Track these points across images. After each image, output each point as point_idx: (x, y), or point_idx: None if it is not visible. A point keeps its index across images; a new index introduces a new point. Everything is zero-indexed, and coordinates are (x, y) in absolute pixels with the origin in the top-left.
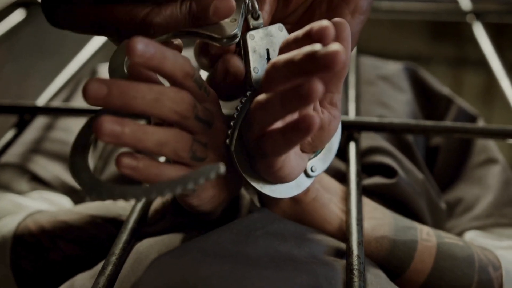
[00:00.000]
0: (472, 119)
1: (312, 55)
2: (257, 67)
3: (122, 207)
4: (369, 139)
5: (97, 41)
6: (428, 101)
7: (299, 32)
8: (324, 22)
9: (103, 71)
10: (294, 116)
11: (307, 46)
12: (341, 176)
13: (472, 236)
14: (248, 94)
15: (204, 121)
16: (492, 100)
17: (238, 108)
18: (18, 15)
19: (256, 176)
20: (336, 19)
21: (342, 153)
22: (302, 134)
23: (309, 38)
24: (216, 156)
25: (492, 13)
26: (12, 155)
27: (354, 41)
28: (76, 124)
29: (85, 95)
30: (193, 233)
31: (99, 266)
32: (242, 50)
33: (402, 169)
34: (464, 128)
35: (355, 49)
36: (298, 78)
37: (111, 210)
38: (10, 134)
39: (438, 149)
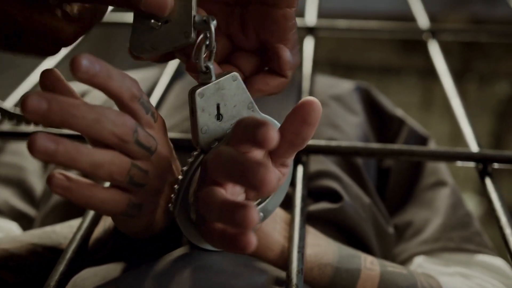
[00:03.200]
0: (423, 140)
1: (243, 171)
2: (206, 126)
3: (64, 236)
4: (317, 163)
5: (50, 61)
6: (380, 122)
7: (250, 121)
8: (272, 132)
9: None
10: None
11: (241, 156)
12: (287, 200)
13: (420, 262)
14: (194, 154)
15: (146, 147)
16: None
17: (183, 171)
18: None
19: (197, 234)
20: (312, 99)
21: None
22: (237, 251)
23: (255, 133)
24: (159, 183)
25: (447, 32)
26: None
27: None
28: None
29: (24, 108)
30: (131, 264)
31: None
32: (190, 109)
33: (348, 193)
34: (410, 151)
35: (310, 68)
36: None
37: (52, 239)
38: None
39: (389, 171)
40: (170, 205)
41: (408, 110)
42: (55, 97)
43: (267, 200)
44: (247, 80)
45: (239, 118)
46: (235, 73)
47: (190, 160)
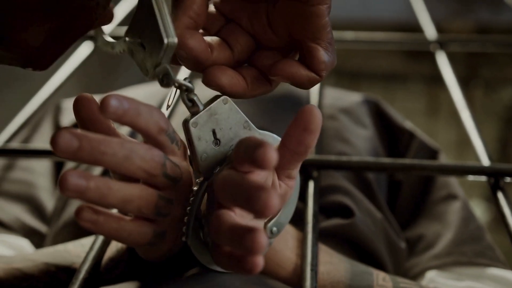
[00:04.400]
0: (433, 153)
1: (246, 197)
2: (205, 154)
3: (77, 255)
4: (328, 178)
5: (60, 76)
6: (390, 136)
7: (249, 143)
8: (270, 153)
9: (68, 106)
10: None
11: (243, 181)
12: (298, 215)
13: (433, 276)
14: (198, 182)
15: (172, 178)
16: None
17: (190, 201)
18: None
19: (209, 256)
20: (312, 106)
21: (300, 191)
22: (245, 273)
23: (254, 155)
24: (181, 210)
25: (455, 42)
26: None
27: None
28: (37, 164)
29: (55, 147)
30: (145, 284)
31: None
32: (186, 140)
33: (359, 208)
34: (422, 165)
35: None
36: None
37: (65, 258)
38: None
39: (400, 184)
40: (183, 237)
41: (414, 117)
42: (85, 135)
43: (279, 214)
44: (275, 64)
45: (237, 139)
46: (225, 97)
47: (195, 188)
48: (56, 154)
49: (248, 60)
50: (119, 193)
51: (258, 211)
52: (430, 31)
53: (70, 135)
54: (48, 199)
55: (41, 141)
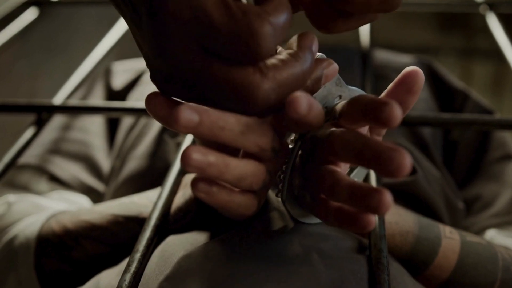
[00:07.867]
0: (489, 113)
1: (377, 156)
2: None
3: (144, 205)
4: (387, 136)
5: (110, 39)
6: (444, 96)
7: (370, 100)
8: (398, 111)
9: (118, 69)
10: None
11: (372, 140)
12: None
13: (493, 235)
14: (294, 140)
15: (276, 150)
16: (502, 91)
17: (287, 160)
18: (30, 14)
19: (302, 210)
20: (416, 68)
21: None
22: (355, 229)
23: (378, 112)
24: (272, 179)
25: (505, 4)
26: (30, 156)
27: None
28: (92, 123)
29: (176, 121)
30: (217, 231)
31: (124, 263)
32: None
33: (419, 166)
34: (481, 120)
35: (368, 41)
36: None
37: (132, 209)
38: (29, 133)
39: (456, 145)
40: (279, 194)
41: None
42: (205, 110)
43: (356, 170)
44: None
45: (330, 97)
46: (321, 54)
47: (290, 147)
48: (178, 129)
49: None
50: (236, 171)
51: (391, 172)
52: None
53: (191, 110)
54: (103, 157)
55: (95, 100)
